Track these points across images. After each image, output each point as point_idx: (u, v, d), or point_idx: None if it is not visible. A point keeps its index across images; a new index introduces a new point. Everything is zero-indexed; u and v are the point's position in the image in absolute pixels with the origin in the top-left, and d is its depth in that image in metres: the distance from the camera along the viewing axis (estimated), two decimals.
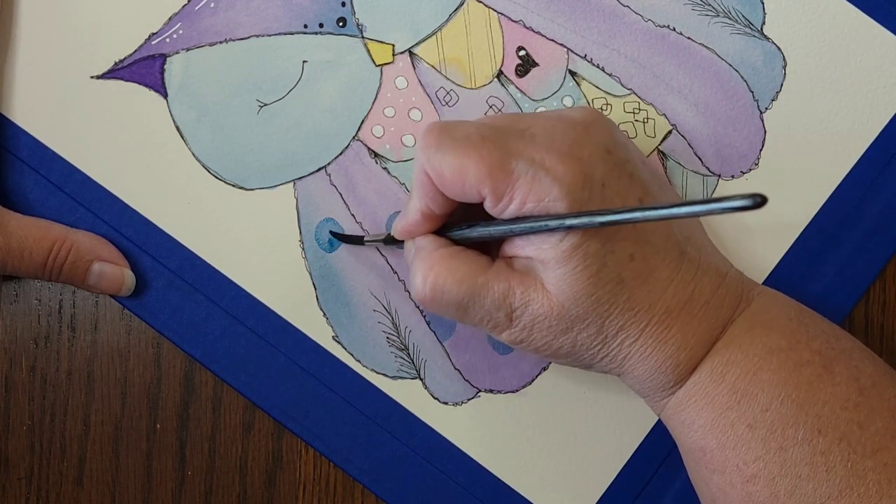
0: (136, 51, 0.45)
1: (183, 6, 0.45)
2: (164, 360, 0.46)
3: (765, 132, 0.45)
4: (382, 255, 0.45)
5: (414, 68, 0.45)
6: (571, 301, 0.38)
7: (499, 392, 0.45)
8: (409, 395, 0.45)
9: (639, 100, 0.45)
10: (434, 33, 0.45)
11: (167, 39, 0.45)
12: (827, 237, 0.45)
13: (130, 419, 0.46)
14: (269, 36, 0.45)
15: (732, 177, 0.45)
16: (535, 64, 0.46)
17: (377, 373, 0.45)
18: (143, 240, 0.45)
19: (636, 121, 0.45)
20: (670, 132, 0.45)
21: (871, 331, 0.46)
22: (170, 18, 0.45)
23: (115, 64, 0.45)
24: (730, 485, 0.39)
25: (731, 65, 0.45)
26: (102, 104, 0.45)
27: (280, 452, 0.46)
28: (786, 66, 0.45)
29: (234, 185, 0.45)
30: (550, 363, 0.45)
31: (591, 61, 0.45)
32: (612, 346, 0.39)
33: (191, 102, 0.45)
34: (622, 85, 0.45)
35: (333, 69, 0.45)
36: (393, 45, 0.45)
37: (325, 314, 0.45)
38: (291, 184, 0.45)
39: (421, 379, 0.45)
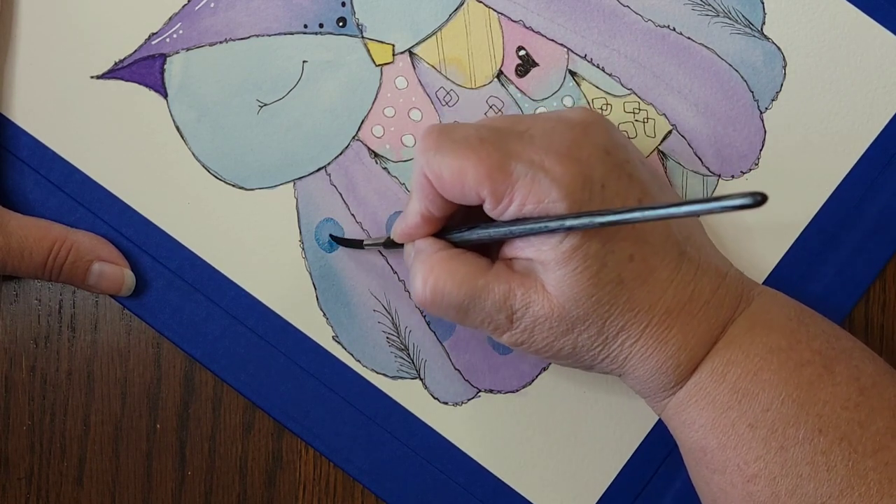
0: (136, 51, 0.45)
1: (183, 6, 0.45)
2: (164, 360, 0.46)
3: (765, 132, 0.45)
4: (382, 256, 0.45)
5: (414, 68, 0.46)
6: (572, 302, 0.38)
7: (499, 392, 0.45)
8: (409, 395, 0.45)
9: (639, 100, 0.45)
10: (434, 33, 0.46)
11: (167, 39, 0.45)
12: (827, 237, 0.45)
13: (130, 419, 0.46)
14: (269, 36, 0.45)
15: (732, 177, 0.45)
16: (535, 64, 0.46)
17: (377, 373, 0.45)
18: (143, 240, 0.45)
19: (636, 121, 0.45)
20: (670, 132, 0.45)
21: (871, 331, 0.46)
22: (170, 18, 0.45)
23: (115, 64, 0.45)
24: (730, 484, 0.39)
25: (731, 65, 0.45)
26: (102, 104, 0.45)
27: (280, 452, 0.46)
28: (786, 66, 0.45)
29: (234, 185, 0.45)
30: (550, 363, 0.45)
31: (591, 61, 0.46)
32: (612, 347, 0.39)
33: (191, 102, 0.45)
34: (622, 85, 0.45)
35: (333, 69, 0.45)
36: (393, 45, 0.45)
37: (325, 314, 0.45)
38: (291, 184, 0.45)
39: (421, 379, 0.45)
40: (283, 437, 0.46)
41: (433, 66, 0.46)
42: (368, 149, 0.46)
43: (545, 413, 0.45)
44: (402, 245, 0.43)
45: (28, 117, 0.45)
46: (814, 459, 0.38)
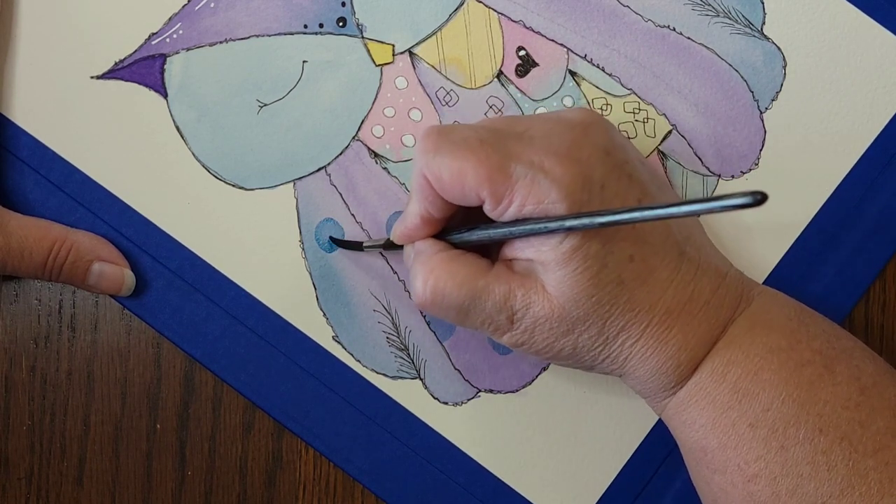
0: (136, 51, 0.45)
1: (183, 6, 0.45)
2: (164, 360, 0.46)
3: (765, 132, 0.45)
4: (382, 256, 0.45)
5: (414, 68, 0.46)
6: (572, 303, 0.38)
7: (499, 392, 0.45)
8: (409, 395, 0.45)
9: (639, 100, 0.45)
10: (434, 33, 0.46)
11: (167, 39, 0.45)
12: (827, 237, 0.45)
13: (130, 419, 0.46)
14: (269, 36, 0.45)
15: (732, 177, 0.45)
16: (535, 64, 0.46)
17: (377, 373, 0.45)
18: (143, 240, 0.45)
19: (636, 121, 0.45)
20: (670, 132, 0.45)
21: (871, 331, 0.46)
22: (170, 18, 0.45)
23: (115, 64, 0.45)
24: (731, 484, 0.39)
25: (731, 65, 0.45)
26: (102, 104, 0.45)
27: (280, 452, 0.46)
28: (786, 66, 0.45)
29: (234, 185, 0.45)
30: (550, 363, 0.45)
31: (591, 61, 0.46)
32: (613, 348, 0.39)
33: (191, 102, 0.45)
34: (622, 85, 0.45)
35: (333, 69, 0.45)
36: (393, 45, 0.46)
37: (325, 314, 0.45)
38: (291, 184, 0.45)
39: (421, 379, 0.45)
40: (283, 437, 0.46)
41: (433, 66, 0.46)
42: (368, 149, 0.46)
43: (545, 413, 0.45)
44: (401, 247, 0.43)
45: (28, 117, 0.45)
46: (814, 459, 0.38)
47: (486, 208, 0.38)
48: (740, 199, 0.29)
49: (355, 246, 0.45)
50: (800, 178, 0.45)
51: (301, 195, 0.45)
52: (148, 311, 0.45)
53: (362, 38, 0.46)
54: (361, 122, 0.45)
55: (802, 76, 0.45)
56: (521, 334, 0.39)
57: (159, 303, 0.45)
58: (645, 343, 0.39)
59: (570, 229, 0.36)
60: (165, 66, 0.45)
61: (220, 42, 0.45)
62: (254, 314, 0.45)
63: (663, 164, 0.45)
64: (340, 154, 0.45)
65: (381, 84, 0.45)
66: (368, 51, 0.45)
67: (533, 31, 0.45)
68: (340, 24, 0.45)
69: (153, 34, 0.45)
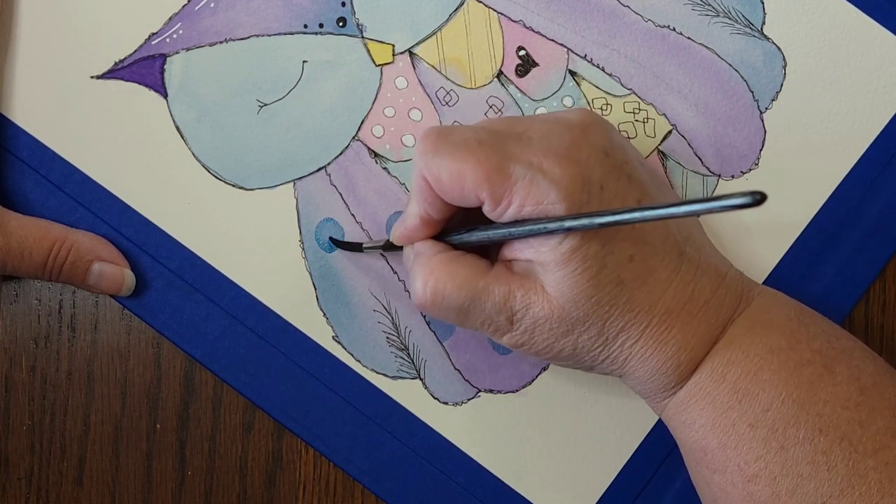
0: (136, 51, 0.45)
1: (183, 6, 0.45)
2: (164, 360, 0.46)
3: (765, 132, 0.45)
4: (382, 256, 0.45)
5: (414, 68, 0.46)
6: (572, 303, 0.38)
7: (499, 392, 0.45)
8: (409, 395, 0.45)
9: (639, 100, 0.45)
10: (434, 33, 0.46)
11: (167, 39, 0.45)
12: (827, 237, 0.45)
13: (130, 419, 0.46)
14: (269, 36, 0.45)
15: (732, 177, 0.45)
16: (535, 64, 0.46)
17: (377, 373, 0.45)
18: (143, 240, 0.45)
19: (636, 121, 0.45)
20: (670, 132, 0.45)
21: (871, 331, 0.46)
22: (170, 18, 0.45)
23: (115, 64, 0.45)
24: (731, 484, 0.39)
25: (731, 65, 0.45)
26: (102, 104, 0.45)
27: (280, 452, 0.46)
28: (786, 66, 0.45)
29: (234, 185, 0.45)
30: (550, 363, 0.45)
31: (591, 61, 0.46)
32: (612, 348, 0.39)
33: (191, 102, 0.45)
34: (622, 85, 0.45)
35: (333, 69, 0.45)
36: (393, 45, 0.45)
37: (325, 314, 0.45)
38: (291, 184, 0.45)
39: (421, 379, 0.45)
40: (283, 437, 0.46)
41: (433, 66, 0.46)
42: (368, 149, 0.46)
43: (545, 413, 0.45)
44: (401, 248, 0.43)
45: (28, 117, 0.45)
46: (814, 459, 0.38)
47: (486, 209, 0.38)
48: (740, 199, 0.29)
49: (355, 247, 0.45)
50: (800, 178, 0.45)
51: (301, 195, 0.45)
52: (148, 311, 0.45)
53: (362, 38, 0.46)
54: (361, 122, 0.45)
55: (802, 76, 0.45)
56: (521, 335, 0.39)
57: (159, 303, 0.45)
58: (645, 343, 0.39)
59: (569, 230, 0.36)
60: (165, 66, 0.45)
61: (220, 42, 0.45)
62: (254, 314, 0.45)
63: (663, 164, 0.45)
64: (340, 154, 0.45)
65: (381, 84, 0.46)
66: (368, 51, 0.45)
67: (533, 31, 0.45)
68: (340, 24, 0.45)
69: (153, 34, 0.45)
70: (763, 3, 0.45)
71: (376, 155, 0.46)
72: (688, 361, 0.39)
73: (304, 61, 0.45)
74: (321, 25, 0.45)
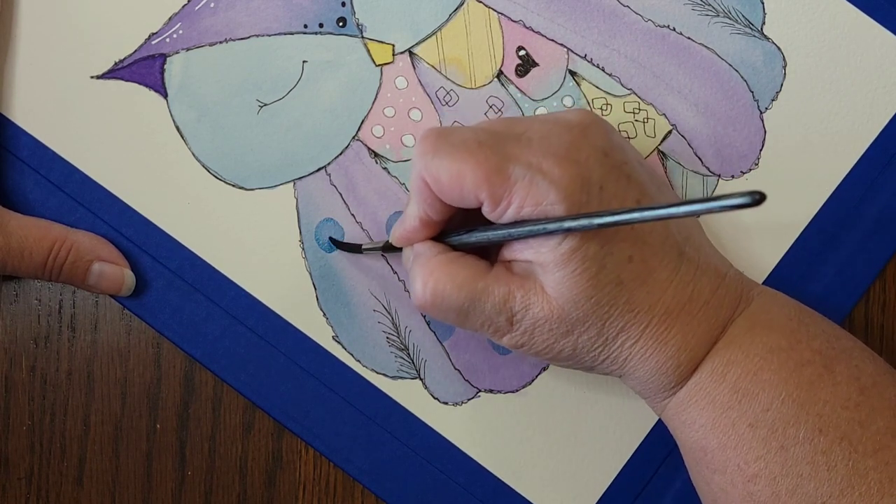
0: (136, 51, 0.45)
1: (183, 6, 0.45)
2: (164, 360, 0.46)
3: (765, 132, 0.45)
4: (382, 256, 0.45)
5: (414, 68, 0.46)
6: (571, 304, 0.38)
7: (499, 392, 0.45)
8: (409, 395, 0.45)
9: (639, 100, 0.45)
10: (434, 33, 0.46)
11: (167, 39, 0.45)
12: (827, 237, 0.45)
13: (130, 419, 0.46)
14: (269, 36, 0.45)
15: (732, 177, 0.45)
16: (535, 64, 0.46)
17: (377, 373, 0.45)
18: (143, 240, 0.45)
19: (636, 121, 0.45)
20: (670, 132, 0.45)
21: (871, 331, 0.46)
22: (170, 18, 0.45)
23: (115, 64, 0.45)
24: (731, 484, 0.39)
25: (731, 65, 0.45)
26: (102, 104, 0.45)
27: (280, 452, 0.46)
28: (786, 66, 0.45)
29: (234, 185, 0.45)
30: (550, 363, 0.45)
31: (591, 61, 0.46)
32: (612, 348, 0.39)
33: (191, 102, 0.45)
34: (622, 85, 0.45)
35: (333, 69, 0.45)
36: (393, 45, 0.46)
37: (325, 314, 0.45)
38: (291, 184, 0.45)
39: (421, 379, 0.45)
40: (283, 437, 0.46)
41: (433, 66, 0.46)
42: (368, 149, 0.46)
43: (545, 413, 0.45)
44: (400, 249, 0.43)
45: (28, 117, 0.45)
46: (814, 459, 0.38)
47: (485, 210, 0.38)
48: (739, 199, 0.29)
49: (354, 248, 0.45)
50: (800, 178, 0.45)
51: (301, 195, 0.45)
52: (148, 311, 0.45)
53: (362, 37, 0.46)
54: (361, 122, 0.45)
55: (802, 76, 0.45)
56: (521, 336, 0.39)
57: (159, 303, 0.45)
58: (644, 343, 0.39)
59: (568, 230, 0.36)
60: (165, 66, 0.45)
61: (220, 42, 0.45)
62: (254, 314, 0.45)
63: (663, 164, 0.45)
64: (340, 154, 0.46)
65: (381, 84, 0.46)
66: (368, 51, 0.45)
67: (533, 31, 0.45)
68: (340, 24, 0.45)
69: (153, 34, 0.45)
70: (763, 3, 0.45)
71: (376, 155, 0.46)
72: (688, 361, 0.39)
73: (304, 61, 0.45)
74: (321, 25, 0.45)
